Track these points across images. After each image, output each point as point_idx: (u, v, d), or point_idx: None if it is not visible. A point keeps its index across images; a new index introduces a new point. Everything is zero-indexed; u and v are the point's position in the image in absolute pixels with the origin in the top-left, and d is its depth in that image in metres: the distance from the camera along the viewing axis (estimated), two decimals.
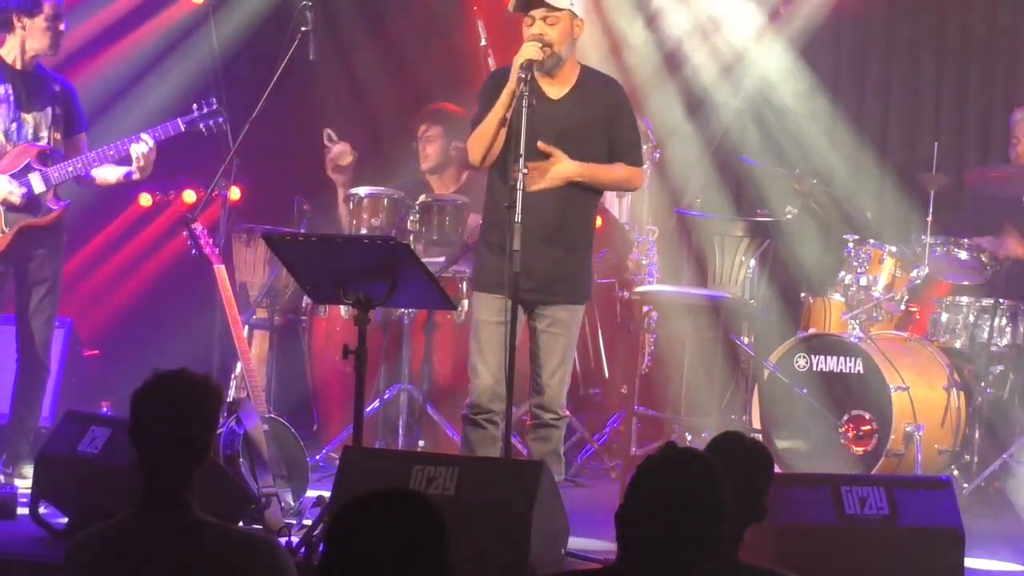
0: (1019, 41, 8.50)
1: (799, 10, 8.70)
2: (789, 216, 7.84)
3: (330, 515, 5.02)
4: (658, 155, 8.07)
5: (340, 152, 8.11)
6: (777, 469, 4.23)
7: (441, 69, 8.91)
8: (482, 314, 5.80)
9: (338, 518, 2.70)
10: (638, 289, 7.57)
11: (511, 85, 5.63)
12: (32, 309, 6.71)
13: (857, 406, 7.27)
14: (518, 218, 5.39)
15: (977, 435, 7.24)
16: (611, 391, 8.02)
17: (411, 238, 7.42)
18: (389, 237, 6.99)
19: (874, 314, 7.61)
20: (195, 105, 6.81)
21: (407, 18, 9.12)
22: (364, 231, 7.46)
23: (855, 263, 7.63)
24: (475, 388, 5.79)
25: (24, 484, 6.22)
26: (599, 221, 6.83)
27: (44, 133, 6.71)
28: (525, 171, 5.46)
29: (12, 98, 6.66)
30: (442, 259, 7.46)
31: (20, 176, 6.63)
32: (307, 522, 5.70)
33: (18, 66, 6.71)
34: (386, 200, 7.56)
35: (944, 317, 7.58)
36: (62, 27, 6.74)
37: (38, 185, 6.63)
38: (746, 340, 7.60)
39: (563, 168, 5.73)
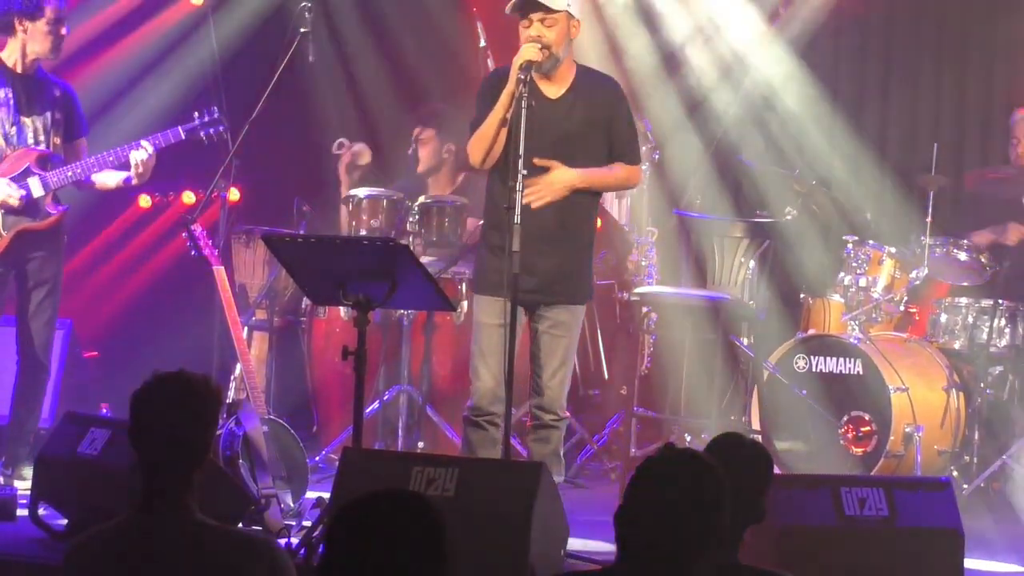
0: (1019, 41, 8.50)
1: (799, 11, 8.70)
2: (788, 217, 7.84)
3: (330, 516, 5.01)
4: (657, 156, 8.07)
5: (361, 151, 8.14)
6: (777, 470, 4.23)
7: (440, 70, 8.92)
8: (483, 317, 5.80)
9: (338, 519, 2.70)
10: (637, 290, 7.57)
11: (510, 86, 5.63)
12: (32, 311, 6.71)
13: (856, 407, 7.27)
14: (518, 219, 5.39)
15: (976, 436, 7.24)
16: (611, 392, 8.02)
17: (410, 239, 7.42)
18: (388, 238, 6.99)
19: (873, 315, 7.61)
20: (196, 113, 6.80)
21: (406, 19, 9.12)
22: (363, 232, 7.46)
23: (854, 264, 7.63)
24: (476, 391, 5.79)
25: (24, 485, 6.22)
26: (598, 222, 6.83)
27: (44, 137, 6.70)
28: (524, 172, 5.46)
29: (12, 102, 6.66)
30: (441, 260, 7.47)
31: (19, 180, 6.62)
32: (307, 523, 5.70)
33: (19, 69, 6.71)
34: (385, 201, 7.57)
35: (943, 318, 7.58)
36: (63, 31, 6.73)
37: (37, 189, 6.63)
38: (746, 341, 7.60)
39: (564, 178, 5.73)
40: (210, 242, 6.33)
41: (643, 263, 7.96)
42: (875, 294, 7.59)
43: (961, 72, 8.77)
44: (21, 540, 5.56)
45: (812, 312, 7.70)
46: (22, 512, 5.81)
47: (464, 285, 7.43)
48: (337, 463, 5.28)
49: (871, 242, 7.70)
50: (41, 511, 5.70)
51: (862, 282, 7.60)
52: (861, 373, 7.27)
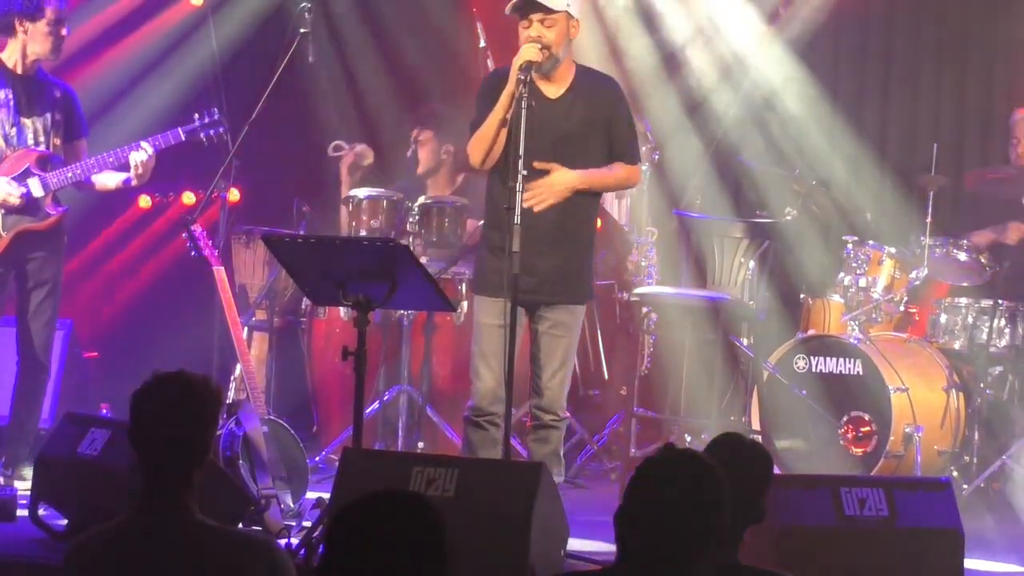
0: (1019, 41, 8.50)
1: (798, 12, 8.70)
2: (788, 217, 7.84)
3: (330, 517, 5.01)
4: (657, 157, 8.07)
5: (364, 152, 8.15)
6: (776, 470, 4.23)
7: (440, 70, 8.92)
8: (484, 317, 5.80)
9: (338, 520, 2.70)
10: (637, 291, 7.57)
11: (510, 87, 5.63)
12: (32, 311, 6.71)
13: (856, 407, 7.27)
14: (518, 220, 5.40)
15: (976, 436, 7.23)
16: (610, 392, 8.02)
17: (410, 240, 7.42)
18: (388, 238, 6.99)
19: (873, 315, 7.61)
20: (196, 115, 6.80)
21: (406, 20, 9.12)
22: (364, 233, 7.46)
23: (854, 264, 7.63)
24: (477, 391, 5.80)
25: (24, 486, 6.22)
26: (598, 223, 6.83)
27: (44, 138, 6.70)
28: (524, 173, 5.46)
29: (12, 103, 6.66)
30: (441, 261, 7.47)
31: (19, 181, 6.62)
32: (307, 524, 5.70)
33: (19, 70, 6.70)
34: (385, 202, 7.57)
35: (943, 318, 7.58)
36: (64, 32, 6.73)
37: (36, 190, 6.63)
38: (745, 341, 7.59)
39: (564, 180, 5.73)
40: (210, 242, 6.33)
41: (643, 263, 7.96)
42: (875, 294, 7.59)
43: (961, 72, 8.77)
44: (21, 540, 5.55)
45: (812, 312, 7.70)
46: (22, 512, 5.80)
47: (464, 285, 7.43)
48: (337, 463, 5.27)
49: (871, 242, 7.70)
50: (41, 511, 5.70)
51: (862, 282, 7.60)
52: (861, 373, 7.27)
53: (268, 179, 8.73)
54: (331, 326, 7.78)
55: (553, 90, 5.83)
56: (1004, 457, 7.09)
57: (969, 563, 5.16)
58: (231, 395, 7.34)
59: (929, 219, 7.48)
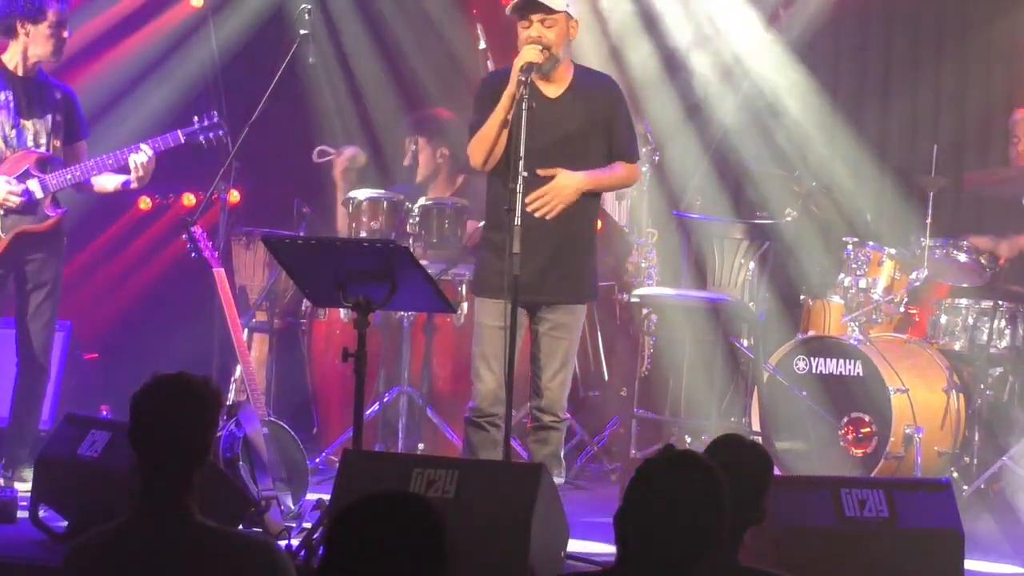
0: (1019, 41, 8.50)
1: (798, 12, 8.70)
2: (788, 219, 7.84)
3: (330, 518, 5.01)
4: (657, 158, 8.07)
5: (354, 155, 8.15)
6: (777, 471, 4.22)
7: (440, 72, 8.92)
8: (484, 319, 5.81)
9: (338, 521, 2.70)
10: (637, 292, 7.56)
11: (511, 88, 5.63)
12: (32, 313, 6.71)
13: (857, 408, 7.27)
14: (518, 221, 5.40)
15: (977, 437, 7.23)
16: (611, 394, 8.01)
17: (410, 241, 7.42)
18: (388, 240, 6.99)
19: (873, 316, 7.61)
20: (196, 117, 6.80)
21: (406, 21, 9.12)
22: (363, 234, 7.46)
23: (854, 265, 7.63)
24: (478, 392, 5.80)
25: (24, 487, 6.22)
26: (598, 223, 6.83)
27: (44, 140, 6.70)
28: (525, 174, 5.46)
29: (13, 104, 6.65)
30: (441, 262, 7.47)
31: (19, 182, 6.62)
32: (307, 525, 5.70)
33: (20, 72, 6.70)
34: (385, 203, 7.56)
35: (943, 319, 7.58)
36: (65, 34, 6.73)
37: (36, 191, 6.63)
38: (745, 343, 7.59)
39: (572, 183, 5.73)
40: (210, 244, 6.34)
41: (643, 265, 7.95)
42: (875, 295, 7.59)
43: (961, 72, 8.77)
44: (21, 542, 5.56)
45: (812, 313, 7.69)
46: (22, 514, 5.80)
47: (464, 287, 7.44)
48: (337, 465, 5.27)
49: (871, 243, 7.70)
50: (41, 513, 5.70)
51: (862, 283, 7.60)
52: (861, 374, 7.27)
53: (268, 181, 8.73)
54: (331, 327, 7.78)
55: (552, 90, 5.83)
56: (1004, 458, 7.08)
57: (969, 564, 5.16)
58: (231, 396, 7.34)
59: (929, 220, 7.47)
